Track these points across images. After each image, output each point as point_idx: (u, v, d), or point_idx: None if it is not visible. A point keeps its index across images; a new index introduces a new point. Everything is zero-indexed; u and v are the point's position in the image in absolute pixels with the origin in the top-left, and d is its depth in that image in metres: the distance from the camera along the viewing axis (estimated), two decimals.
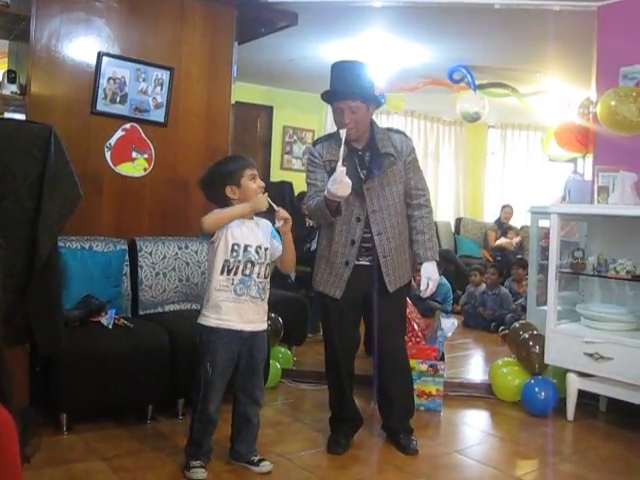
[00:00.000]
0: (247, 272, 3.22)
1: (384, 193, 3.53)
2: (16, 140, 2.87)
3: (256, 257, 3.25)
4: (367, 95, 3.50)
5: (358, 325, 3.86)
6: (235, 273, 3.20)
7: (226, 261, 3.20)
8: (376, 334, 3.70)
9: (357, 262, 3.58)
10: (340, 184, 3.20)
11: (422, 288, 3.63)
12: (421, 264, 3.66)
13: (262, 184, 3.28)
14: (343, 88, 3.46)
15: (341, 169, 3.21)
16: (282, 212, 3.24)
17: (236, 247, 3.20)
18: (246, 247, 3.23)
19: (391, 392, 3.74)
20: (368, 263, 3.58)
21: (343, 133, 3.35)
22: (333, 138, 3.55)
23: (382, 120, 10.21)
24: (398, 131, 3.76)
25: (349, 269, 3.56)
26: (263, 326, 3.33)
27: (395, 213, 3.57)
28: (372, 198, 3.51)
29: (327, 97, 3.54)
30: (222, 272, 3.20)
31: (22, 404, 3.58)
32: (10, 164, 2.84)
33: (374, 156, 3.53)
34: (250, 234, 3.25)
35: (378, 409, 3.87)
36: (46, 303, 3.01)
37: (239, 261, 3.20)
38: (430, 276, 3.62)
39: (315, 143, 3.67)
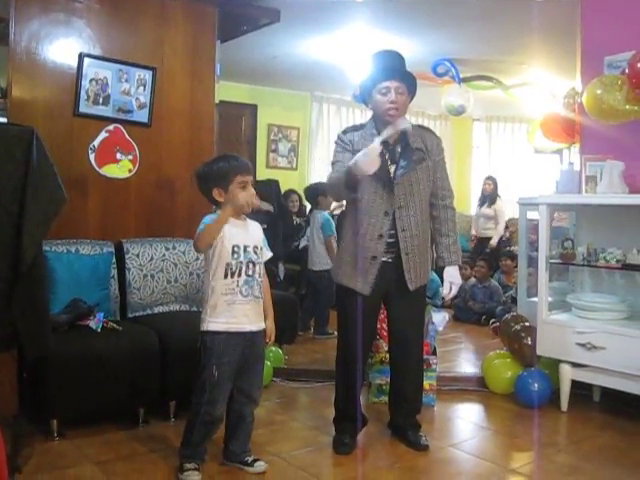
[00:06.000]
0: (250, 272, 3.20)
1: (412, 190, 3.51)
2: None
3: (255, 257, 3.23)
4: (411, 82, 3.50)
5: (376, 322, 3.85)
6: (239, 275, 3.17)
7: (228, 264, 3.16)
8: (394, 331, 3.71)
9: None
10: (368, 158, 3.18)
11: (445, 292, 3.70)
12: (443, 267, 3.69)
13: (252, 193, 3.22)
14: (392, 67, 3.47)
15: (378, 145, 3.23)
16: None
17: (236, 249, 3.17)
18: (245, 248, 3.21)
19: (406, 389, 3.75)
20: (390, 260, 3.55)
21: (404, 122, 3.38)
22: (365, 128, 3.54)
23: (367, 115, 10.22)
24: (429, 130, 3.77)
25: (376, 264, 3.52)
26: (263, 325, 3.32)
27: (421, 211, 3.55)
28: (400, 193, 3.48)
29: (373, 78, 3.49)
30: (226, 276, 3.16)
31: (12, 411, 3.55)
32: None
33: (405, 150, 3.50)
34: (246, 235, 3.23)
35: (388, 406, 3.87)
36: (32, 308, 2.97)
37: (241, 262, 3.18)
38: (453, 280, 3.67)
39: (345, 132, 3.62)
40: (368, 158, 3.19)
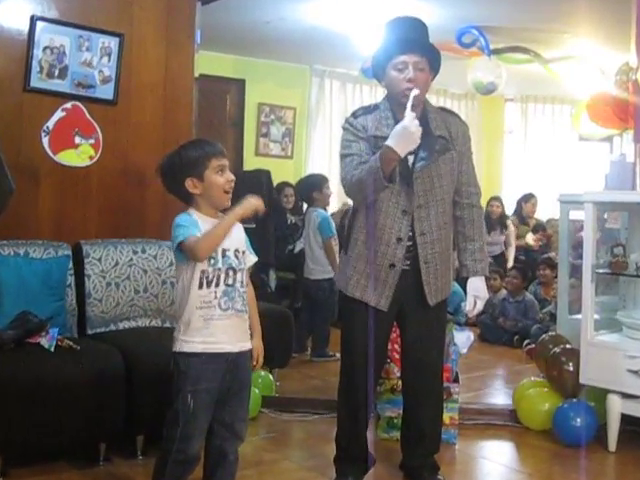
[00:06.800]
0: (230, 281, 3.18)
1: (433, 185, 3.51)
2: None
3: (236, 262, 3.21)
4: (433, 57, 3.50)
5: (387, 342, 3.86)
6: (217, 284, 3.16)
7: (203, 272, 3.15)
8: (408, 353, 3.71)
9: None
10: (408, 130, 3.19)
11: (468, 308, 3.69)
12: (467, 278, 3.69)
13: (232, 178, 3.23)
14: (411, 38, 3.46)
15: (411, 114, 3.21)
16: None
17: (213, 253, 3.17)
18: (224, 252, 3.19)
19: (422, 424, 3.75)
20: (407, 268, 3.55)
21: (415, 92, 3.31)
22: (379, 110, 3.55)
23: (377, 93, 10.23)
24: (453, 113, 3.77)
25: (395, 274, 3.52)
26: (249, 345, 3.30)
27: (443, 212, 3.55)
28: (419, 190, 3.48)
29: (387, 51, 3.49)
30: (201, 286, 3.15)
31: None
32: None
33: (425, 138, 3.43)
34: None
35: (400, 444, 3.87)
36: None
37: (219, 269, 3.17)
38: (478, 294, 3.67)
39: (355, 115, 3.60)
40: (406, 130, 3.20)
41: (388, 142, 3.25)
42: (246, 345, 3.27)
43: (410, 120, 3.21)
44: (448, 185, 3.56)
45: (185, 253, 3.09)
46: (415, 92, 3.30)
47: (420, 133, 3.23)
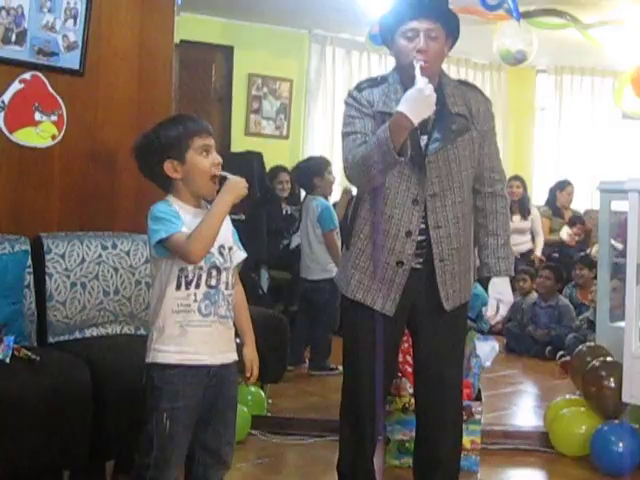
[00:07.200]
0: (212, 282, 3.17)
1: (450, 171, 3.50)
2: None
3: (220, 260, 3.20)
4: (450, 23, 3.49)
5: (397, 354, 3.85)
6: (197, 286, 3.14)
7: (182, 270, 3.13)
8: (422, 367, 3.70)
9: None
10: (422, 94, 3.17)
11: (490, 313, 3.67)
12: (489, 278, 3.68)
13: (218, 160, 3.21)
14: (424, 1, 3.43)
15: (423, 79, 3.20)
16: None
17: None
18: None
19: (438, 448, 3.73)
20: (419, 266, 3.55)
21: (418, 63, 3.31)
22: (387, 83, 3.54)
23: (388, 63, 10.22)
24: (474, 87, 3.75)
25: (403, 273, 3.52)
26: (234, 356, 3.29)
27: (461, 201, 3.55)
28: (433, 176, 3.48)
29: (397, 15, 3.48)
30: (179, 287, 3.13)
31: None
32: None
33: (441, 116, 3.46)
34: None
35: (413, 471, 3.87)
36: None
37: (200, 268, 3.15)
38: (501, 297, 3.65)
39: (360, 88, 3.60)
40: (421, 95, 3.18)
41: (399, 107, 3.21)
42: (231, 357, 3.26)
43: (424, 83, 3.20)
44: (467, 170, 3.55)
45: (173, 251, 3.08)
46: (419, 64, 3.30)
47: (435, 99, 3.21)
